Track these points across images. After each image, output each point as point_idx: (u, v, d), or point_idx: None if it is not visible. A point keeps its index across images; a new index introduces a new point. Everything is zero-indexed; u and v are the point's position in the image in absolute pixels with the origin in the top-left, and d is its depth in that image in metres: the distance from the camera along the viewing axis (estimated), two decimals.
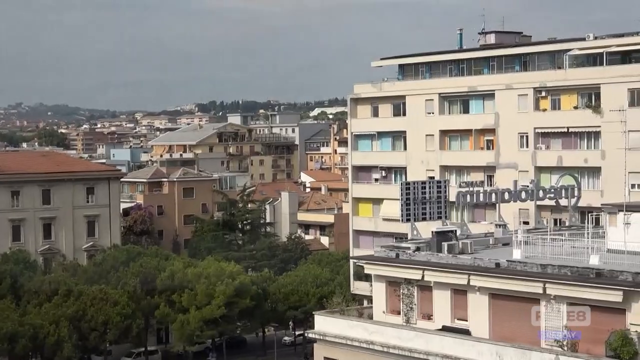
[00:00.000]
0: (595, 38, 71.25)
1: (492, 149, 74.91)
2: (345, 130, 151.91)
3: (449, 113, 78.75)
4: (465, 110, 77.91)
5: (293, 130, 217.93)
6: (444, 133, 78.51)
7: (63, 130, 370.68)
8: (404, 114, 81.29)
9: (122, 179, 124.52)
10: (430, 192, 51.18)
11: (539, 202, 55.45)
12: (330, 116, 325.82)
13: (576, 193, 54.83)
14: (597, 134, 68.25)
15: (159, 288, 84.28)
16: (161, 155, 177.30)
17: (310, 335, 49.72)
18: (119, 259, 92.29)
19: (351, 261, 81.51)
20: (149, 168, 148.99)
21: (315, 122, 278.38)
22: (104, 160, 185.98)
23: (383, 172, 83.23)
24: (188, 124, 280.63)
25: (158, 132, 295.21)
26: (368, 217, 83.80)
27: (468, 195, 51.39)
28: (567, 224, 55.59)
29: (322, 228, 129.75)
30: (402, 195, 50.91)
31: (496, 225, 50.29)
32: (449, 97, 78.56)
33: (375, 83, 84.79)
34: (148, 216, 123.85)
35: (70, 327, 75.84)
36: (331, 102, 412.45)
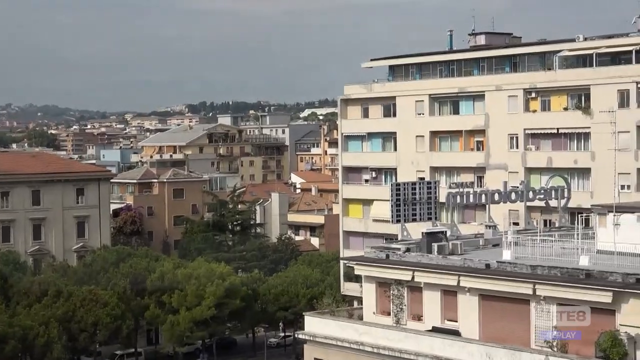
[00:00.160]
0: (585, 39, 71.31)
1: (482, 150, 74.94)
2: (335, 131, 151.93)
3: (439, 114, 78.72)
4: (455, 111, 77.92)
5: (283, 131, 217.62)
6: (434, 134, 78.48)
7: (53, 131, 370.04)
8: (394, 115, 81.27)
9: (112, 180, 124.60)
10: (420, 193, 51.40)
11: (528, 203, 55.44)
12: (321, 117, 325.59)
13: (566, 194, 54.99)
14: (586, 135, 68.31)
15: (149, 289, 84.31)
16: (151, 156, 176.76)
17: (300, 336, 49.67)
18: (109, 260, 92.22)
19: (341, 262, 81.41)
20: (139, 169, 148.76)
21: (306, 123, 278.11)
22: (94, 161, 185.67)
23: (373, 173, 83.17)
24: (178, 125, 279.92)
25: (148, 133, 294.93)
26: (358, 218, 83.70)
27: (458, 196, 51.49)
28: (557, 225, 55.69)
29: (313, 229, 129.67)
30: (392, 196, 51.09)
31: (486, 226, 50.39)
32: (439, 98, 78.56)
33: (365, 84, 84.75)
34: (138, 217, 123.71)
35: (59, 328, 75.68)
36: (321, 103, 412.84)
